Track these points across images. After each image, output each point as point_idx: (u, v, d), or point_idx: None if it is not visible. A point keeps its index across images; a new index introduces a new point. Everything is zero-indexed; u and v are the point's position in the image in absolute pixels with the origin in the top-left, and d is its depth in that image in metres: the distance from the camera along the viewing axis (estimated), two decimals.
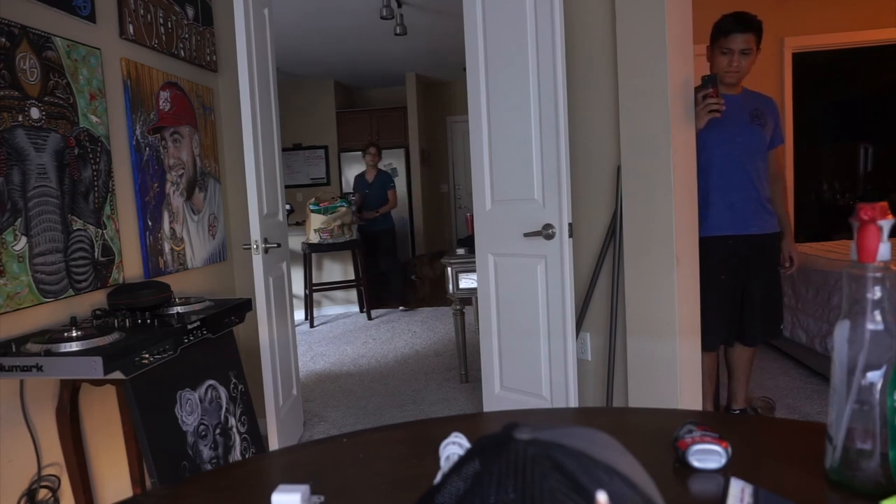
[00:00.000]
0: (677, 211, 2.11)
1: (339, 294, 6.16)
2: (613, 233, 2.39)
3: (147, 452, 1.71)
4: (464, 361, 3.76)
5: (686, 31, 2.15)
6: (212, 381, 2.10)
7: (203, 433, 1.97)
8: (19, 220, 1.76)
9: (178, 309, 2.12)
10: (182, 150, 2.67)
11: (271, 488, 0.63)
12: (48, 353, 1.57)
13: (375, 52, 7.03)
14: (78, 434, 1.88)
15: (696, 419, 0.82)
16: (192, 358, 1.98)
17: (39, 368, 1.55)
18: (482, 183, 2.62)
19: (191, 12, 2.77)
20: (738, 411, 2.70)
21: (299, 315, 5.31)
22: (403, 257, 7.64)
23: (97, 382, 1.80)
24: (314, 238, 5.53)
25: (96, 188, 2.11)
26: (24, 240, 1.78)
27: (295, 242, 5.55)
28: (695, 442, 0.75)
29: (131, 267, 2.30)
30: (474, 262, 2.76)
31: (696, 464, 0.74)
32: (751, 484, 0.65)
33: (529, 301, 2.47)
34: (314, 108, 8.47)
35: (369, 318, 5.78)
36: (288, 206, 3.81)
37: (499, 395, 2.66)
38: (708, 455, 0.74)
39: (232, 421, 2.16)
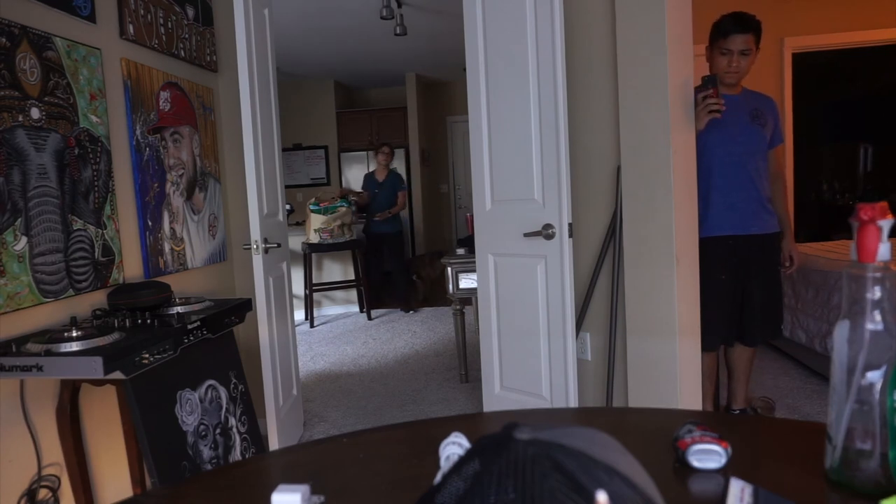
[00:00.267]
0: (677, 211, 2.11)
1: (339, 294, 6.16)
2: (613, 233, 2.39)
3: (147, 452, 1.71)
4: (464, 361, 3.76)
5: (686, 31, 2.15)
6: (212, 381, 2.10)
7: (203, 433, 1.97)
8: (19, 220, 1.76)
9: (178, 309, 2.12)
10: (182, 150, 2.67)
11: (271, 488, 0.63)
12: (48, 353, 1.57)
13: (375, 52, 7.03)
14: (78, 434, 1.88)
15: (696, 419, 0.82)
16: (192, 358, 1.98)
17: (39, 368, 1.55)
18: (482, 183, 2.62)
19: (191, 12, 2.77)
20: (738, 411, 2.70)
21: (299, 315, 5.31)
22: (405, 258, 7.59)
23: (97, 382, 1.80)
24: (314, 238, 5.53)
25: (96, 188, 2.11)
26: (24, 240, 1.78)
27: (295, 242, 5.55)
28: (695, 442, 0.75)
29: (131, 267, 2.30)
30: (474, 262, 2.76)
31: (696, 464, 0.74)
32: (751, 484, 0.65)
33: (529, 301, 2.47)
34: (314, 108, 8.47)
35: (369, 318, 5.78)
36: (288, 206, 3.81)
37: (499, 395, 2.66)
38: (708, 455, 0.74)
39: (232, 421, 2.16)
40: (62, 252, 1.93)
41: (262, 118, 2.69)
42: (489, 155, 2.58)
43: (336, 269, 6.04)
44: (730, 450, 0.74)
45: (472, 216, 2.84)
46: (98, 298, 2.10)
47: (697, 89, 2.21)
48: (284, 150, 7.17)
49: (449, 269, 3.55)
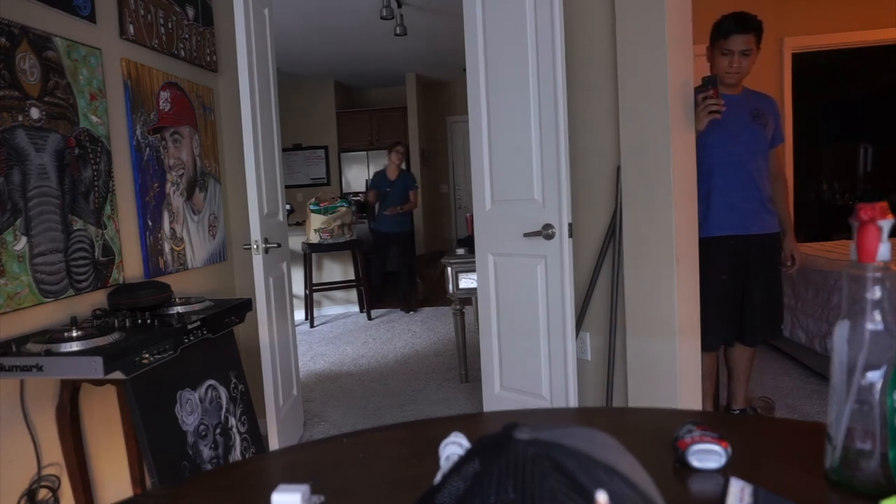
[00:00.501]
0: (677, 211, 2.11)
1: (339, 294, 6.16)
2: (613, 233, 2.39)
3: (147, 452, 1.71)
4: (464, 361, 3.76)
5: (686, 31, 2.15)
6: (212, 381, 2.10)
7: (203, 433, 1.97)
8: (19, 220, 1.76)
9: (179, 309, 2.12)
10: (182, 150, 2.67)
11: (271, 488, 0.63)
12: (48, 353, 1.57)
13: (375, 52, 7.03)
14: (78, 434, 1.88)
15: (696, 419, 0.82)
16: (192, 358, 1.98)
17: (39, 368, 1.55)
18: (482, 183, 2.62)
19: (191, 12, 2.77)
20: (737, 411, 2.70)
21: (299, 315, 5.31)
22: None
23: (97, 382, 1.80)
24: (314, 238, 5.53)
25: (96, 188, 2.11)
26: (24, 240, 1.78)
27: (295, 242, 5.55)
28: (695, 442, 0.75)
29: (131, 267, 2.30)
30: (474, 262, 2.76)
31: (695, 464, 0.74)
32: (751, 484, 0.65)
33: (529, 301, 2.47)
34: (314, 108, 8.48)
35: (369, 318, 5.78)
36: (288, 206, 3.80)
37: (499, 395, 2.66)
38: (708, 455, 0.74)
39: (232, 421, 2.16)
40: (62, 252, 1.93)
41: (262, 118, 2.69)
42: (489, 155, 2.58)
43: (336, 269, 6.04)
44: (730, 450, 0.74)
45: (472, 216, 2.84)
46: (98, 298, 2.10)
47: (697, 90, 2.21)
48: (284, 150, 7.16)
49: (449, 269, 3.55)
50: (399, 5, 5.37)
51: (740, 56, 2.42)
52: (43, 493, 1.81)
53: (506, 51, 2.45)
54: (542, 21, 2.29)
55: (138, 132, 2.35)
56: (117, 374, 1.62)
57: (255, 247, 2.56)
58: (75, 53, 2.02)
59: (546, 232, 2.35)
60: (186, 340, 1.89)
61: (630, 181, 2.23)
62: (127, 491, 2.17)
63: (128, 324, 1.86)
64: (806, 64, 5.16)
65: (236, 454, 2.15)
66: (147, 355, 1.69)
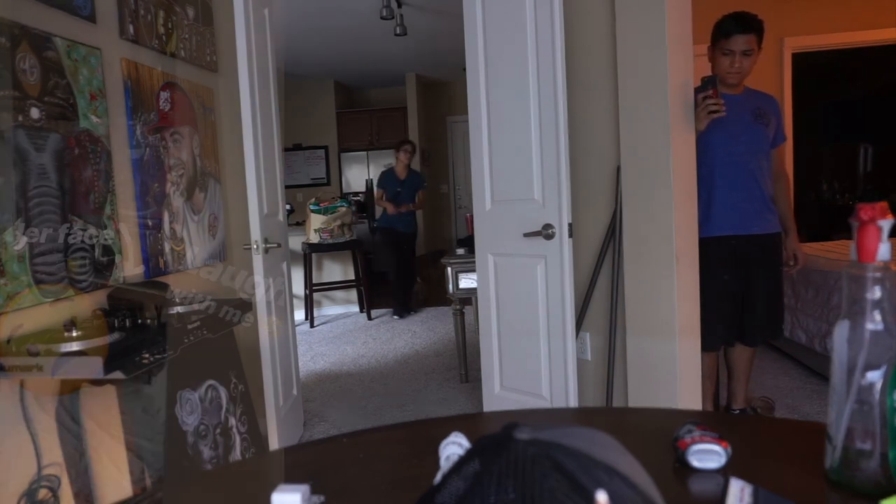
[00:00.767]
0: (677, 211, 2.11)
1: (339, 294, 6.16)
2: (613, 233, 2.39)
3: (147, 452, 1.71)
4: (464, 361, 3.76)
5: (686, 31, 2.15)
6: (212, 381, 2.10)
7: (203, 433, 1.97)
8: (19, 220, 1.76)
9: (179, 309, 2.12)
10: (182, 151, 2.67)
11: (271, 488, 0.63)
12: (48, 353, 1.57)
13: (375, 52, 7.03)
14: (78, 434, 1.88)
15: (696, 419, 0.82)
16: (192, 358, 1.98)
17: (39, 368, 1.55)
18: (482, 183, 2.62)
19: (191, 12, 2.77)
20: (737, 411, 2.70)
21: (299, 315, 5.30)
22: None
23: (97, 382, 1.80)
24: (314, 238, 5.53)
25: (96, 188, 2.11)
26: (24, 240, 1.78)
27: (295, 242, 5.54)
28: (695, 442, 0.75)
29: (131, 267, 2.30)
30: (474, 262, 2.76)
31: (695, 464, 0.74)
32: (750, 484, 0.65)
33: (529, 301, 2.47)
34: (314, 108, 8.48)
35: (369, 318, 5.78)
36: (288, 206, 3.81)
37: (499, 395, 2.66)
38: (708, 455, 0.74)
39: (232, 421, 2.16)
40: (62, 252, 1.93)
41: (262, 118, 2.69)
42: (489, 155, 2.58)
43: (336, 269, 6.04)
44: (730, 450, 0.74)
45: (472, 216, 2.84)
46: (98, 298, 2.10)
47: (697, 90, 2.20)
48: (284, 150, 7.16)
49: (449, 269, 3.55)
50: (399, 5, 5.37)
51: (741, 56, 2.42)
52: (43, 494, 1.81)
53: (506, 51, 2.45)
54: (542, 21, 2.29)
55: (138, 132, 2.35)
56: (117, 374, 1.62)
57: (255, 247, 2.56)
58: (75, 53, 2.02)
59: (546, 232, 2.35)
60: (186, 340, 1.89)
61: (630, 181, 2.23)
62: (127, 491, 2.17)
63: (128, 324, 1.86)
64: (806, 64, 5.16)
65: (236, 454, 2.15)
66: (147, 355, 1.69)
